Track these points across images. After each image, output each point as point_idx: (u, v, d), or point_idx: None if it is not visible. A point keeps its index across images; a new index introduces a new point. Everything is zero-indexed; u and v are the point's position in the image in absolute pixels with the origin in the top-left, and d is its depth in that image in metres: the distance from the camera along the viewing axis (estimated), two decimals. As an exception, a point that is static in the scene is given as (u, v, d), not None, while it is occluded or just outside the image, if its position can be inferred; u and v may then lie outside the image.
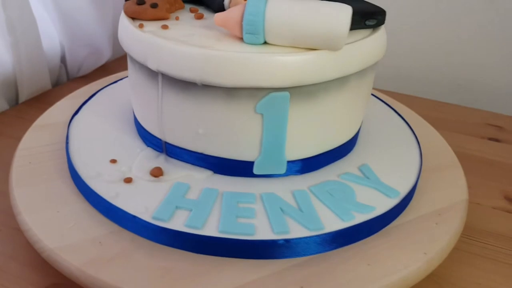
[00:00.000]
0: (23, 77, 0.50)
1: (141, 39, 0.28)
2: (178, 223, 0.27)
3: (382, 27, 0.31)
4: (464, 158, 0.40)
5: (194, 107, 0.28)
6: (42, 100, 0.52)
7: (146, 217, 0.27)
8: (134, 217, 0.27)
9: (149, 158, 0.32)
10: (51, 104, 0.48)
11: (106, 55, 0.59)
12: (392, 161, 0.34)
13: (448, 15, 0.58)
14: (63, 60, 0.57)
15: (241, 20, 0.26)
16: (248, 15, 0.26)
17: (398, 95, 0.53)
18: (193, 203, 0.28)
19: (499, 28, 0.56)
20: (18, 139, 0.38)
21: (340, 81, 0.28)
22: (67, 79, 0.58)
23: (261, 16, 0.26)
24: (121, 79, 0.45)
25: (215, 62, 0.26)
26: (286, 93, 0.27)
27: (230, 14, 0.27)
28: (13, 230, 0.31)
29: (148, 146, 0.33)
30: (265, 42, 0.27)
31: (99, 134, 0.35)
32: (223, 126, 0.29)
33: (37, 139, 0.36)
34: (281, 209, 0.28)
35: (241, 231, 0.26)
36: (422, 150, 0.36)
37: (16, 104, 0.51)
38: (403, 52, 0.61)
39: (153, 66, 0.28)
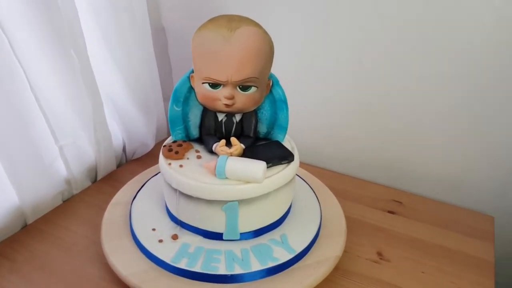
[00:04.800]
0: (101, 164, 0.81)
1: (169, 173, 0.58)
2: (183, 264, 0.56)
3: (292, 163, 0.60)
4: (361, 225, 0.68)
5: (194, 206, 0.58)
6: (111, 178, 0.84)
7: (168, 260, 0.56)
8: (162, 260, 0.56)
9: (172, 228, 0.62)
10: (116, 180, 0.80)
11: (150, 146, 0.91)
12: (302, 230, 0.62)
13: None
14: (124, 150, 0.89)
15: (215, 168, 0.56)
16: (217, 167, 0.56)
17: (328, 172, 0.82)
18: (191, 255, 0.57)
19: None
20: (100, 207, 0.69)
21: (264, 195, 0.57)
22: (126, 161, 0.90)
23: (223, 168, 0.55)
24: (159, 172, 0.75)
25: (202, 187, 0.56)
26: (236, 202, 0.56)
27: (210, 165, 0.56)
28: (104, 264, 0.61)
29: (171, 221, 0.63)
30: (226, 178, 0.57)
31: (147, 212, 0.65)
32: (207, 216, 0.58)
33: (114, 212, 0.67)
34: (233, 259, 0.57)
35: (211, 269, 0.55)
36: (325, 221, 0.64)
37: (95, 181, 0.83)
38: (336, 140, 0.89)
39: (174, 186, 0.58)
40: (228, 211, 0.57)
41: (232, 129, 0.63)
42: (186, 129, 0.64)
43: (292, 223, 0.64)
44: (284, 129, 0.64)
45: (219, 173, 0.56)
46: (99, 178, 0.82)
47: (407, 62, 0.74)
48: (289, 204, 0.65)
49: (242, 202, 0.57)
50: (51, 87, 0.65)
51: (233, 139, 0.59)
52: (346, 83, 0.81)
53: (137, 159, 0.90)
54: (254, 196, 0.56)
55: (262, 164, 0.55)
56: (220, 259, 0.57)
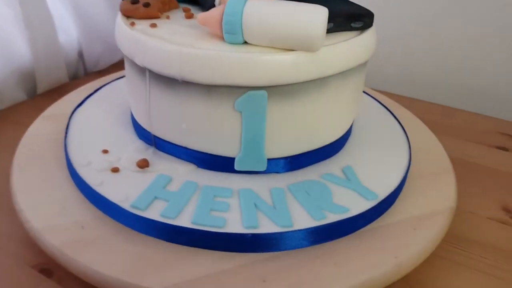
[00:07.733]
0: (41, 70, 0.52)
1: (129, 37, 0.30)
2: (154, 212, 0.28)
3: (371, 29, 0.31)
4: (465, 166, 0.40)
5: (177, 102, 0.30)
6: (59, 92, 0.54)
7: (125, 205, 0.28)
8: (114, 204, 0.28)
9: (140, 150, 0.34)
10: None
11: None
12: (378, 164, 0.34)
13: (459, 15, 0.56)
14: (80, 55, 0.59)
15: (221, 20, 0.27)
16: (226, 15, 0.27)
17: (404, 98, 0.53)
18: (172, 195, 0.29)
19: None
20: (27, 125, 0.41)
21: (319, 82, 0.29)
22: (85, 73, 0.61)
23: (239, 16, 0.26)
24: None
25: (192, 59, 0.27)
26: (264, 92, 0.28)
27: (212, 14, 0.28)
28: (12, 211, 0.33)
29: (140, 139, 0.35)
30: (245, 42, 0.28)
31: (97, 126, 0.37)
32: (204, 121, 0.30)
33: (43, 128, 0.39)
34: (255, 205, 0.28)
35: (212, 223, 0.27)
36: (414, 155, 0.35)
37: (34, 95, 0.54)
38: (414, 55, 0.60)
39: (139, 62, 0.29)
40: (246, 111, 0.28)
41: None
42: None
43: (360, 149, 0.35)
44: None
45: (229, 26, 0.27)
46: (39, 91, 0.53)
47: None
48: (356, 111, 0.36)
49: (274, 92, 0.28)
50: None
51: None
52: None
53: (102, 71, 0.60)
54: (302, 80, 0.28)
55: (322, 11, 0.26)
56: (229, 205, 0.28)
